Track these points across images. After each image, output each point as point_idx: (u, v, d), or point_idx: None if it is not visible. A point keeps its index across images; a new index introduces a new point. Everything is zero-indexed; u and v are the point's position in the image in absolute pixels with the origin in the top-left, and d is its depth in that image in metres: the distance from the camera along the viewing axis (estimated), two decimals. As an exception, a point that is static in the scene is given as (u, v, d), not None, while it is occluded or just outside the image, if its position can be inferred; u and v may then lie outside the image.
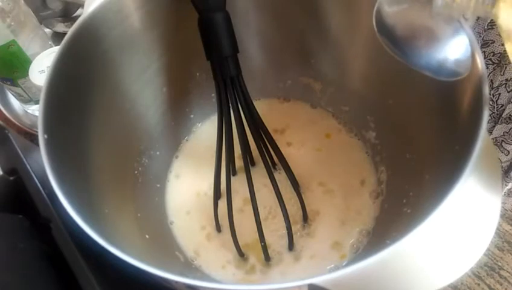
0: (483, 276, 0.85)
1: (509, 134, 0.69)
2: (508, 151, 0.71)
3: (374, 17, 0.30)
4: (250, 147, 0.42)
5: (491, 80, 0.66)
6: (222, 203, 0.42)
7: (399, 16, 0.30)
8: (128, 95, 0.41)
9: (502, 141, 0.70)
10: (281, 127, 0.50)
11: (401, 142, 0.41)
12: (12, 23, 0.45)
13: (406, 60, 0.29)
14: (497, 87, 0.65)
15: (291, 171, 0.43)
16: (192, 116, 0.50)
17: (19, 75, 0.49)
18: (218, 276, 0.42)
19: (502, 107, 0.67)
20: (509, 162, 0.73)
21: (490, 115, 0.70)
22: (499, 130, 0.69)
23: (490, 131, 0.71)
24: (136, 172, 0.43)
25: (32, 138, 0.50)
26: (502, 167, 0.74)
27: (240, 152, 0.41)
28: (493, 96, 0.67)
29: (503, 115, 0.68)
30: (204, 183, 0.47)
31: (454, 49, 0.29)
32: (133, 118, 0.42)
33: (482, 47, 0.62)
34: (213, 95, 0.41)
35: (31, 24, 0.48)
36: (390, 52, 0.29)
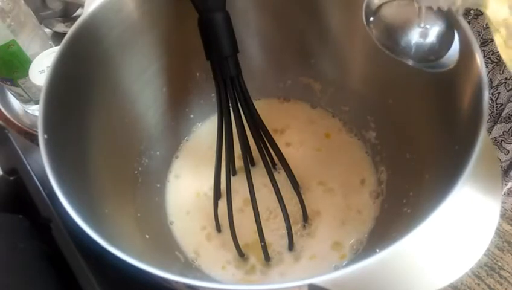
0: (483, 276, 0.85)
1: (509, 133, 0.69)
2: (508, 151, 0.71)
3: (363, 10, 0.30)
4: (250, 147, 0.42)
5: (491, 79, 0.66)
6: (222, 203, 0.42)
7: (388, 8, 0.30)
8: (128, 95, 0.41)
9: (502, 140, 0.70)
10: (280, 127, 0.50)
11: (401, 142, 0.41)
12: (12, 23, 0.45)
13: (394, 52, 0.29)
14: (497, 86, 0.65)
15: (291, 171, 0.43)
16: (192, 116, 0.50)
17: (19, 75, 0.49)
18: (218, 276, 0.42)
19: (501, 106, 0.67)
20: (508, 162, 0.73)
21: (489, 115, 0.70)
22: (499, 129, 0.69)
23: (489, 130, 0.71)
24: (136, 172, 0.43)
25: (32, 138, 0.50)
26: (502, 166, 0.74)
27: (240, 152, 0.41)
28: (492, 95, 0.67)
29: (502, 114, 0.68)
30: (204, 183, 0.47)
31: (441, 41, 0.29)
32: (133, 118, 0.42)
33: (481, 46, 0.63)
34: (213, 95, 0.41)
35: (31, 24, 0.48)
36: (378, 45, 0.29)
